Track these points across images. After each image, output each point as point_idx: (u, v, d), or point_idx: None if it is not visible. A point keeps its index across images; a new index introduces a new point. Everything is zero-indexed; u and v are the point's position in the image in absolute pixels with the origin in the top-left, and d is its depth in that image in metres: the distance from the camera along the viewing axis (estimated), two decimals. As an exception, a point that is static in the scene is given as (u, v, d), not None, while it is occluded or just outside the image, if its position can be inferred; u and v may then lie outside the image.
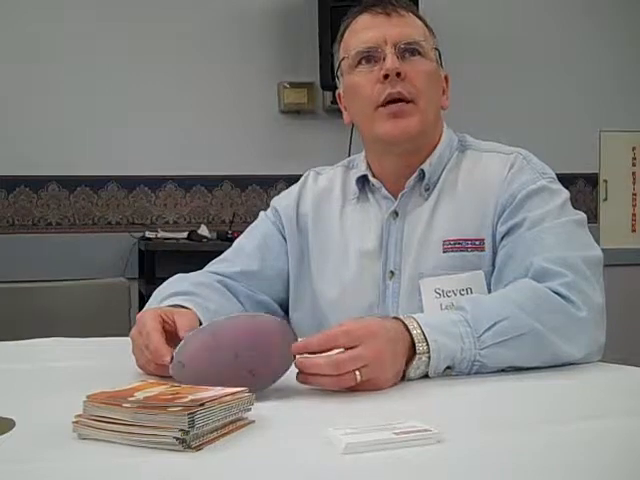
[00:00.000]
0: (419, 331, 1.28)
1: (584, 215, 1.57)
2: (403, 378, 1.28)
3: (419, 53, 1.60)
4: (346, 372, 1.19)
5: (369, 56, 1.60)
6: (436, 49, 1.65)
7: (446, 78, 1.69)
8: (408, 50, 1.60)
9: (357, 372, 1.19)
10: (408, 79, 1.58)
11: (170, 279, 1.65)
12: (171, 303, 1.48)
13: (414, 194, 1.64)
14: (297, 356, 1.21)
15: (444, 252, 1.58)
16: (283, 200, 1.78)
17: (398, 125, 1.58)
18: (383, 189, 1.66)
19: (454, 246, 1.57)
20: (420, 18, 1.67)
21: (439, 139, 1.66)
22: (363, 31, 1.62)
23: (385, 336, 1.24)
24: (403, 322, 1.29)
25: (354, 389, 1.21)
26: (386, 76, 1.57)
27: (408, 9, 1.64)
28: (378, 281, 1.63)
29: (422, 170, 1.63)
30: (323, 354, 1.21)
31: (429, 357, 1.27)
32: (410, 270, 1.60)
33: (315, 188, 1.76)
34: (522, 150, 1.64)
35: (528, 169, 1.59)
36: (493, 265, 1.55)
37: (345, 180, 1.74)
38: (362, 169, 1.70)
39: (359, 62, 1.61)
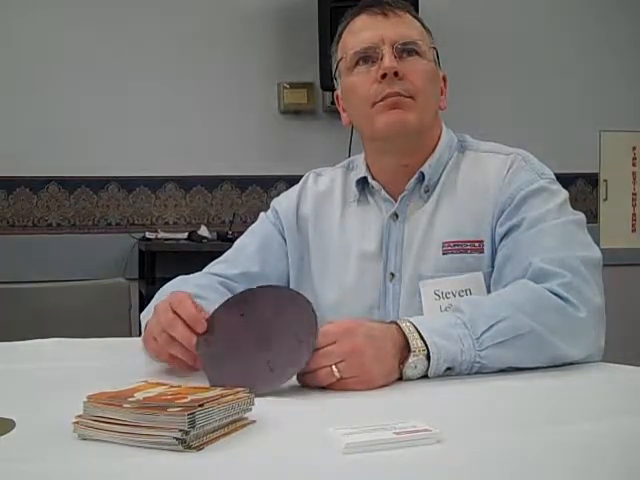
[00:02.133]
0: (413, 331, 1.28)
1: (583, 215, 1.57)
2: (401, 378, 1.28)
3: (417, 53, 1.60)
4: (320, 368, 1.21)
5: (367, 56, 1.60)
6: (434, 49, 1.64)
7: (444, 78, 1.68)
8: (406, 50, 1.59)
9: (334, 368, 1.21)
10: (406, 78, 1.57)
11: (172, 281, 1.65)
12: None
13: (414, 196, 1.64)
14: None
15: (444, 254, 1.58)
16: (283, 201, 1.78)
17: (396, 117, 1.57)
18: (383, 191, 1.66)
19: (454, 248, 1.57)
20: (417, 18, 1.66)
21: (438, 140, 1.66)
22: (360, 32, 1.62)
23: (363, 332, 1.25)
24: (397, 324, 1.30)
25: (345, 388, 1.22)
26: (384, 76, 1.57)
27: (405, 9, 1.64)
28: (379, 283, 1.62)
29: (422, 172, 1.63)
30: None
31: (426, 355, 1.28)
32: (410, 272, 1.60)
33: (315, 190, 1.76)
34: (521, 151, 1.64)
35: (527, 170, 1.59)
36: (492, 266, 1.54)
37: (345, 182, 1.74)
38: (362, 171, 1.69)
39: (357, 63, 1.61)
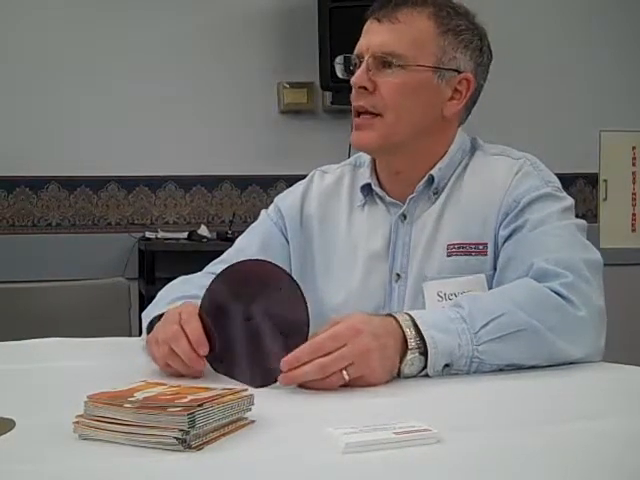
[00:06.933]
0: (412, 327, 1.28)
1: (585, 222, 1.57)
2: (399, 375, 1.28)
3: (397, 65, 1.56)
4: (332, 373, 1.21)
5: (356, 63, 1.60)
6: (441, 55, 1.58)
7: (463, 81, 1.61)
8: (382, 62, 1.57)
9: (344, 371, 1.21)
10: (378, 92, 1.57)
11: (173, 282, 1.65)
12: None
13: (422, 198, 1.63)
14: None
15: (448, 256, 1.58)
16: (287, 199, 1.76)
17: (357, 137, 1.60)
18: (387, 197, 1.65)
19: (458, 250, 1.57)
20: (434, 17, 1.58)
21: (444, 146, 1.63)
22: (362, 37, 1.62)
23: (370, 332, 1.25)
24: (395, 318, 1.30)
25: (348, 386, 1.22)
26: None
27: (417, 8, 1.58)
28: (384, 284, 1.62)
29: (431, 175, 1.62)
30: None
31: (422, 353, 1.28)
32: (415, 273, 1.59)
33: (321, 188, 1.74)
34: (530, 156, 1.62)
35: (534, 175, 1.58)
36: (495, 268, 1.55)
37: (353, 179, 1.72)
38: (366, 175, 1.69)
39: (355, 67, 1.61)
